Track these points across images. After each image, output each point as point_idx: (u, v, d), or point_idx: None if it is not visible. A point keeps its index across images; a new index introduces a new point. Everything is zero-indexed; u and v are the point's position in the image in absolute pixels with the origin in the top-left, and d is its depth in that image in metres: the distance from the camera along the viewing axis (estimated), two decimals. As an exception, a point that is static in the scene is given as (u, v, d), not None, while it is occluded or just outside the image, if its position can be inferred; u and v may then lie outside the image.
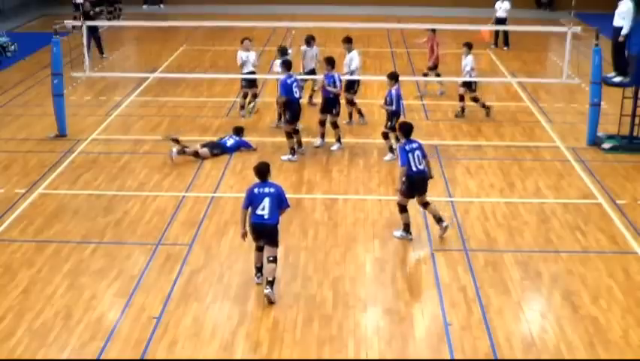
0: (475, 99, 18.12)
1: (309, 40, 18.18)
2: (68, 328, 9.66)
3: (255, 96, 18.40)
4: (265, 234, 10.32)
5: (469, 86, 17.96)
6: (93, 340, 9.42)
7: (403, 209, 11.91)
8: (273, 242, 10.37)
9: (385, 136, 15.39)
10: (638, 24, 16.30)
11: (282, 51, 17.24)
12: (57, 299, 10.32)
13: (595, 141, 16.34)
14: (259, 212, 10.21)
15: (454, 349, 9.31)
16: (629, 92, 16.23)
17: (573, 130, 17.37)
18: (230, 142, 15.82)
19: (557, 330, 9.70)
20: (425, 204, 12.03)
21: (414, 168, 11.71)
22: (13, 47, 19.68)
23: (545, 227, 12.59)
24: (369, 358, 9.17)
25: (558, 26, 20.03)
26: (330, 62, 15.76)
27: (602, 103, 16.45)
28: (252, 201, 10.27)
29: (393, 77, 15.44)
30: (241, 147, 15.87)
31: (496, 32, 25.86)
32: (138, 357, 9.13)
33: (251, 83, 18.04)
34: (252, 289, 10.64)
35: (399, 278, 10.97)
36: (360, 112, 17.84)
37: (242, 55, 17.70)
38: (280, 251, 11.68)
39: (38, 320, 9.82)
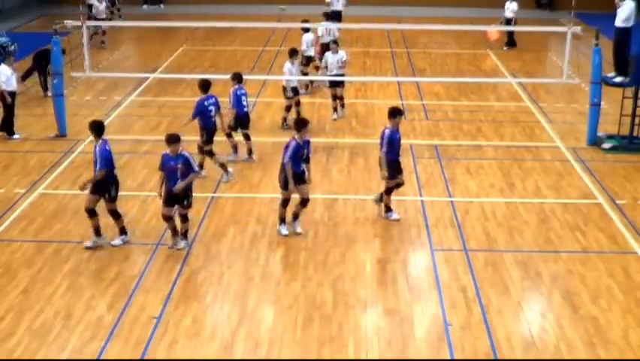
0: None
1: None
2: (68, 328, 9.66)
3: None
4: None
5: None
6: (93, 340, 9.42)
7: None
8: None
9: (229, 135, 15.08)
10: (639, 24, 16.30)
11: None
12: (57, 299, 10.32)
13: (595, 141, 16.34)
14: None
15: (454, 349, 9.31)
16: (629, 92, 16.24)
17: (573, 130, 17.37)
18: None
19: (557, 330, 9.70)
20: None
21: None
22: (13, 47, 19.67)
23: (545, 227, 12.59)
24: (369, 358, 9.17)
25: (558, 26, 20.00)
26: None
27: (602, 103, 16.45)
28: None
29: (235, 78, 15.01)
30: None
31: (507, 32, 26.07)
32: (138, 357, 9.13)
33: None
34: (252, 289, 10.64)
35: (399, 278, 10.97)
36: (342, 105, 18.29)
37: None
38: (280, 251, 11.73)
39: (38, 320, 9.82)
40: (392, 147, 12.48)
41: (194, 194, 13.62)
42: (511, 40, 26.29)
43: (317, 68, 20.66)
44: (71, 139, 16.50)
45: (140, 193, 13.78)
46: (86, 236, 12.09)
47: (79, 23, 16.98)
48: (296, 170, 11.87)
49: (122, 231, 11.88)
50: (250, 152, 15.39)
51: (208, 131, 14.23)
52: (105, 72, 22.31)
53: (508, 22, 25.97)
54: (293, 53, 17.43)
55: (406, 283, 10.85)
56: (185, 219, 11.80)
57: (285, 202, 12.19)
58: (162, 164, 11.64)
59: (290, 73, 17.17)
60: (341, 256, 11.58)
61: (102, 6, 26.03)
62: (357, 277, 10.99)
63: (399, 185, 12.79)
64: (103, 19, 25.47)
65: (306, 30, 20.20)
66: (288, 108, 17.29)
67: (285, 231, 12.20)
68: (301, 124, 12.06)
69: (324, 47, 20.78)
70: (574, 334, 9.61)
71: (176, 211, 11.72)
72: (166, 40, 26.93)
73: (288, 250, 11.74)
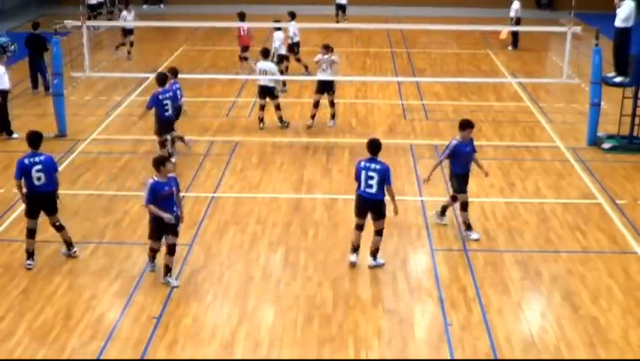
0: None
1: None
2: (68, 328, 9.66)
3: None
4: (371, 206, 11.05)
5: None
6: (93, 340, 9.42)
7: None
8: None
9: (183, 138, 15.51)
10: (639, 24, 16.28)
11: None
12: (57, 299, 10.32)
13: (595, 141, 16.34)
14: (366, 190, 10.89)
15: (454, 349, 9.31)
16: (629, 92, 16.24)
17: (573, 130, 17.38)
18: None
19: (557, 330, 9.70)
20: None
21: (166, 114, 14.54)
22: (13, 47, 19.67)
23: (545, 227, 12.59)
24: (369, 358, 9.17)
25: (558, 26, 20.02)
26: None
27: (602, 103, 16.46)
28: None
29: (170, 73, 15.41)
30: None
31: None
32: (138, 357, 9.13)
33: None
34: (252, 289, 10.64)
35: (399, 278, 10.97)
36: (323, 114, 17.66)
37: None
38: (280, 251, 11.73)
39: (38, 320, 9.82)
40: (458, 159, 11.89)
41: (195, 194, 13.71)
42: (515, 40, 26.31)
43: (306, 67, 21.01)
44: (71, 139, 16.50)
45: (140, 193, 13.71)
46: (85, 236, 12.11)
47: (79, 23, 16.98)
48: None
49: (29, 254, 11.09)
50: (182, 140, 15.53)
51: (161, 123, 14.65)
52: (105, 72, 22.32)
53: (515, 21, 26.12)
54: (267, 52, 17.31)
55: (406, 283, 10.85)
56: (173, 250, 10.66)
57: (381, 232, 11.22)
58: (157, 192, 10.27)
59: (273, 71, 17.18)
60: (341, 256, 11.58)
61: (130, 16, 24.87)
62: (357, 277, 10.99)
63: (456, 199, 12.15)
64: (131, 30, 24.56)
65: (278, 28, 20.39)
66: (278, 106, 17.30)
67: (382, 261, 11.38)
68: (378, 147, 11.01)
69: (294, 48, 21.20)
70: (574, 334, 9.61)
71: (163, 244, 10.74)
72: (166, 40, 26.94)
73: (288, 250, 11.74)
